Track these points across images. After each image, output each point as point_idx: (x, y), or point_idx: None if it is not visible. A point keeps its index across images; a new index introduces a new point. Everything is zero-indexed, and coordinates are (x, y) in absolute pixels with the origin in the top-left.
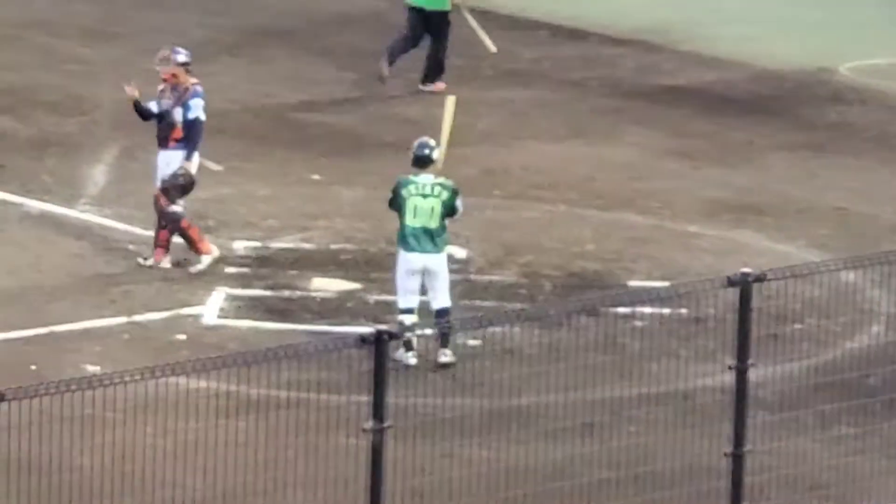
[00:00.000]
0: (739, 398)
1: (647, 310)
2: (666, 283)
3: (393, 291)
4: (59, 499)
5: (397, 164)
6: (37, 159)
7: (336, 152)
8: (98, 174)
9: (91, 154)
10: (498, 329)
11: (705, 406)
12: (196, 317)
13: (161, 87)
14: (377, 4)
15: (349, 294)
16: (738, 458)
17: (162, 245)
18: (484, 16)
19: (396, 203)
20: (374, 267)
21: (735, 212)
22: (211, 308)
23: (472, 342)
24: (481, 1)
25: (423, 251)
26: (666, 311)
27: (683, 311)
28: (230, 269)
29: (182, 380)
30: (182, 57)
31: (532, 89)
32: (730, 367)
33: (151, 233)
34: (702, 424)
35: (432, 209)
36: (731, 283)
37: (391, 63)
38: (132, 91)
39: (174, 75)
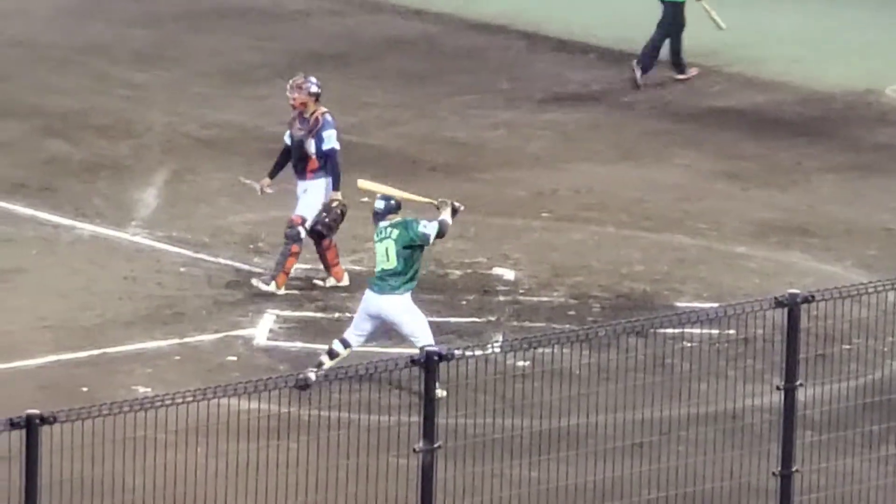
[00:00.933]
0: (787, 418)
1: (696, 330)
2: (714, 304)
3: (441, 313)
4: None
5: (447, 185)
6: (89, 182)
7: (386, 174)
8: (149, 197)
9: (142, 177)
10: (547, 350)
11: (753, 426)
12: (247, 338)
13: (292, 114)
14: (427, 28)
15: None
16: (786, 478)
17: (333, 264)
18: (532, 38)
19: None
20: (423, 289)
21: (783, 233)
22: (262, 330)
23: (521, 363)
24: (529, 25)
25: (380, 291)
26: (714, 331)
27: (731, 331)
28: (281, 292)
29: (233, 401)
30: (314, 87)
31: (581, 112)
32: (778, 388)
33: (202, 255)
34: (750, 444)
35: (386, 251)
36: (779, 303)
37: (645, 71)
38: (263, 188)
39: (304, 104)
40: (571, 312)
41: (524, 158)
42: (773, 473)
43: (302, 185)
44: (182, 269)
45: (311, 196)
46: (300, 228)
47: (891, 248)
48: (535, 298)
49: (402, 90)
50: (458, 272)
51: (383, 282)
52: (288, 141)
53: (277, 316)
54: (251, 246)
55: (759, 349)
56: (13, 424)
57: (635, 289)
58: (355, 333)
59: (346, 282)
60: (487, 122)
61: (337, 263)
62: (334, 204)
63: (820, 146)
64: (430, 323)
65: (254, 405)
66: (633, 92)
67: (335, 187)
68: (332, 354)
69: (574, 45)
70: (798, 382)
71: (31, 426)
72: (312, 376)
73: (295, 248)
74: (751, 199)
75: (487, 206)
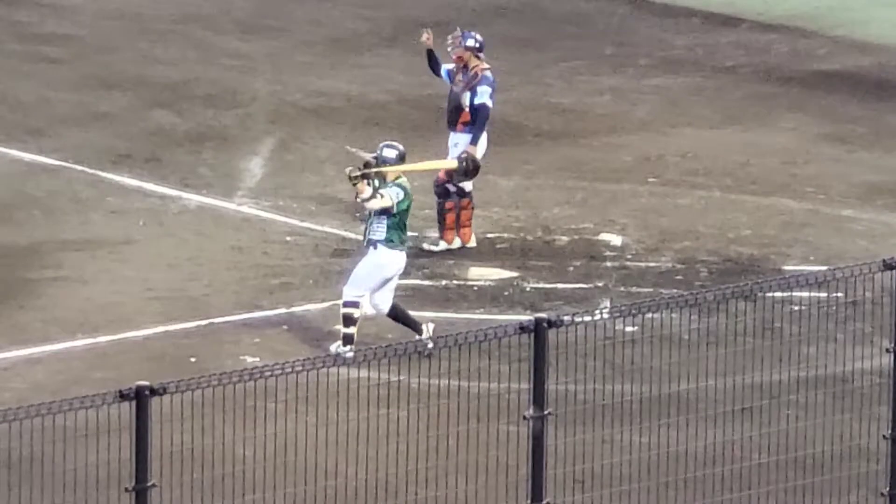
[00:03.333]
0: None
1: (804, 294)
2: (822, 268)
3: (549, 279)
4: (223, 489)
5: (553, 152)
6: (194, 153)
7: (492, 141)
8: (255, 167)
9: (248, 147)
10: (655, 315)
11: (863, 389)
12: None
13: (450, 66)
14: None
15: (507, 282)
16: None
17: (458, 226)
18: (636, 3)
19: (402, 206)
20: (531, 255)
21: (890, 195)
22: (369, 298)
23: (629, 329)
24: None
25: (405, 250)
26: (822, 294)
27: (840, 294)
28: (454, 246)
29: (342, 370)
30: (470, 41)
31: (686, 76)
32: (887, 350)
33: (309, 224)
34: (860, 407)
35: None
36: (887, 266)
37: None
38: (428, 39)
39: (460, 58)
40: (679, 277)
41: (629, 124)
42: (884, 436)
43: (453, 139)
44: (288, 238)
45: (461, 149)
46: (447, 186)
47: None
48: (642, 264)
49: (508, 56)
50: (565, 238)
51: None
52: (445, 76)
53: None
54: (357, 214)
55: (867, 312)
56: (123, 396)
57: (742, 253)
58: (361, 292)
59: (456, 245)
60: (593, 87)
61: (451, 228)
62: (463, 155)
63: None
64: (539, 289)
65: (363, 373)
66: (737, 56)
67: (473, 141)
68: (350, 322)
69: (678, 10)
70: None
71: (140, 397)
72: (350, 354)
73: (449, 203)
74: (857, 161)
75: (594, 171)
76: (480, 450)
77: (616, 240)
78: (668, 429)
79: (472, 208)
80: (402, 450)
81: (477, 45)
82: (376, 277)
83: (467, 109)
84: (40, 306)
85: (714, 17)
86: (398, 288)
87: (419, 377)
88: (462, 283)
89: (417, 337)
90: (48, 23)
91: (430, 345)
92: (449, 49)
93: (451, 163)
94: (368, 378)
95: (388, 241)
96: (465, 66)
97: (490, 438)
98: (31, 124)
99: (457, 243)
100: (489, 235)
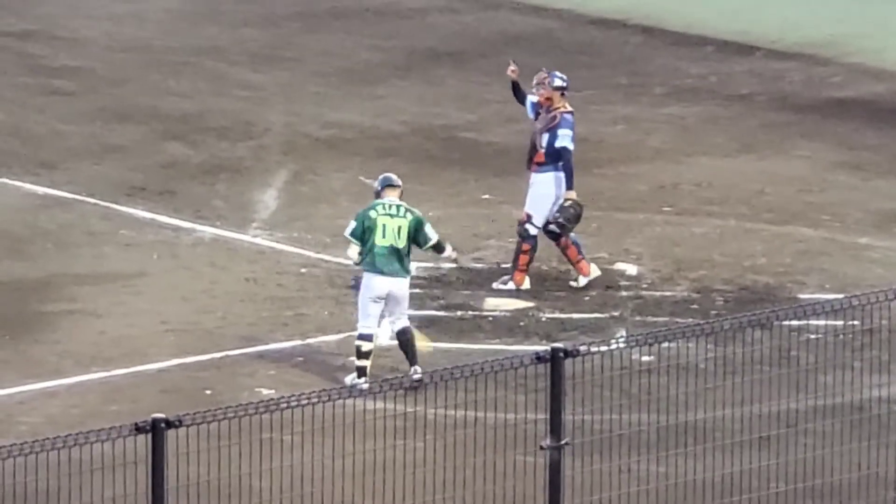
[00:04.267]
0: None
1: (820, 322)
2: (838, 296)
3: (564, 309)
4: None
5: None
6: (208, 185)
7: (506, 171)
8: (269, 198)
9: (261, 179)
10: (671, 344)
11: (881, 417)
12: None
13: (535, 99)
14: (546, 23)
15: (522, 312)
16: None
17: (577, 260)
18: (649, 33)
19: (358, 230)
20: (546, 285)
21: None
22: (383, 329)
23: (645, 358)
24: (647, 19)
25: (390, 274)
26: (838, 323)
27: (856, 322)
28: (524, 287)
29: (358, 401)
30: (558, 81)
31: (701, 105)
32: None
33: (323, 256)
34: (877, 435)
35: (399, 228)
36: None
37: None
38: (514, 72)
39: (549, 98)
40: (694, 306)
41: (644, 153)
42: None
43: (532, 178)
44: (303, 270)
45: (536, 190)
46: (528, 226)
47: None
48: (657, 293)
49: (523, 86)
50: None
51: (392, 264)
52: (530, 113)
53: None
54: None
55: (884, 340)
56: (139, 429)
57: (758, 281)
58: (370, 318)
59: (595, 273)
60: (607, 116)
61: (580, 259)
62: (567, 203)
63: None
64: (553, 319)
65: (379, 405)
66: (752, 84)
67: (569, 186)
68: (360, 355)
69: (692, 38)
70: None
71: (156, 430)
72: (366, 386)
73: (525, 245)
74: (873, 189)
75: (609, 201)
76: (497, 480)
77: (631, 269)
78: (685, 458)
79: (573, 244)
80: (418, 481)
81: (564, 84)
82: (366, 302)
83: (542, 150)
84: (54, 340)
85: (728, 45)
86: (413, 318)
87: (435, 408)
88: (477, 313)
89: (410, 371)
90: (60, 56)
91: (417, 376)
92: (534, 90)
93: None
94: (384, 409)
95: (364, 265)
96: (551, 106)
97: (507, 469)
98: (44, 157)
99: (526, 285)
100: (504, 265)
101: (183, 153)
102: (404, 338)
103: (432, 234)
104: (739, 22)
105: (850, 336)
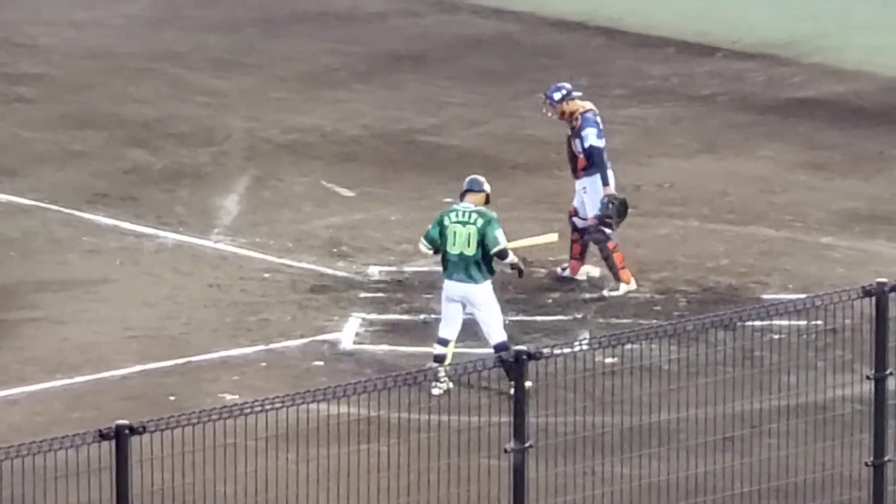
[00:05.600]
0: (879, 408)
1: (783, 322)
2: (801, 296)
3: (527, 312)
4: None
5: (530, 184)
6: (170, 191)
7: (468, 174)
8: (231, 204)
9: (224, 184)
10: (634, 346)
11: (844, 417)
12: (333, 343)
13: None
14: (506, 26)
15: None
16: (879, 469)
17: (576, 258)
18: (610, 34)
19: (434, 233)
20: (509, 288)
21: (868, 222)
22: (347, 333)
23: (608, 360)
24: (608, 21)
25: (460, 280)
26: (801, 323)
27: (819, 322)
28: (365, 294)
29: (322, 406)
30: (557, 94)
31: (662, 106)
32: (868, 377)
33: (286, 261)
34: (841, 435)
35: (469, 236)
36: (866, 293)
37: None
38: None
39: (563, 112)
40: (658, 308)
41: (607, 155)
42: (866, 464)
43: (579, 184)
44: (266, 276)
45: (592, 194)
46: (601, 229)
47: None
48: (621, 294)
49: (482, 89)
50: (543, 270)
51: (465, 271)
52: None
53: (363, 319)
54: (334, 250)
55: (847, 339)
56: (103, 435)
57: (721, 282)
58: (448, 324)
59: (633, 285)
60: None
61: (623, 267)
62: (604, 200)
63: None
64: (517, 322)
65: (342, 409)
66: (713, 85)
67: (604, 183)
68: (434, 358)
69: (653, 40)
70: (888, 371)
71: (120, 437)
72: (437, 392)
73: (610, 244)
74: (834, 188)
75: (570, 203)
76: (461, 484)
77: (594, 271)
78: (650, 459)
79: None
80: (383, 485)
81: (563, 92)
82: (443, 305)
83: (581, 156)
84: (17, 347)
85: (689, 46)
86: (376, 323)
87: (399, 412)
88: (440, 317)
89: (429, 364)
90: (21, 63)
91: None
92: (547, 114)
93: (550, 237)
94: (348, 414)
95: (443, 271)
96: (570, 115)
97: (471, 472)
98: (6, 164)
99: (633, 284)
100: None
101: (145, 159)
102: (500, 352)
103: (498, 241)
104: (700, 23)
105: (814, 336)
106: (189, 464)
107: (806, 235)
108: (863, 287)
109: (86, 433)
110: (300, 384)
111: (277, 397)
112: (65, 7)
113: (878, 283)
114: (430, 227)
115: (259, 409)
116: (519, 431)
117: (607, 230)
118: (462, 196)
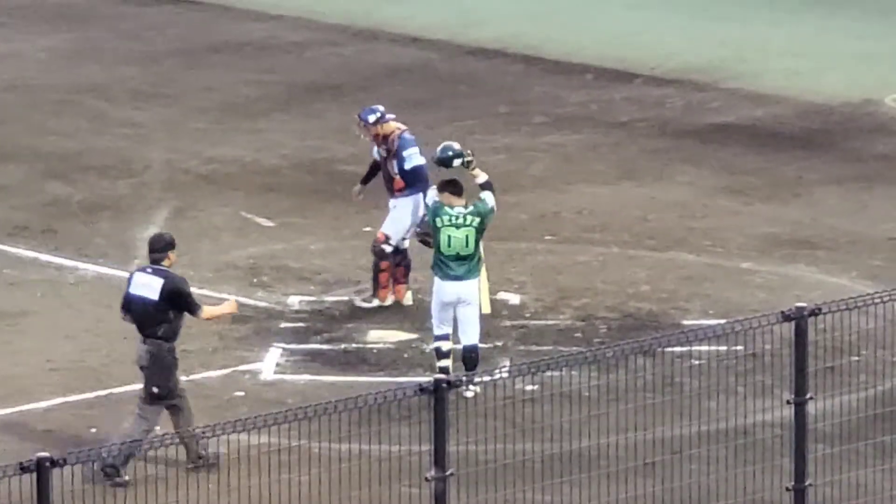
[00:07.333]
0: (799, 432)
1: (704, 348)
2: (721, 321)
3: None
4: None
5: None
6: (90, 223)
7: (388, 204)
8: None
9: (143, 216)
10: (555, 373)
11: (765, 441)
12: (254, 373)
13: (374, 145)
14: (425, 54)
15: (406, 344)
16: (799, 493)
17: (401, 281)
18: (529, 62)
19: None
20: (429, 316)
21: (788, 247)
22: (268, 364)
23: (529, 387)
24: (526, 48)
25: (455, 279)
26: (722, 348)
27: (739, 347)
28: (286, 325)
29: (242, 436)
30: (371, 116)
31: (581, 133)
32: (788, 402)
33: (206, 291)
34: (762, 460)
35: (466, 238)
36: (786, 317)
37: None
38: (359, 195)
39: (377, 135)
40: (578, 334)
41: (525, 181)
42: (787, 488)
43: (392, 202)
44: None
45: (398, 212)
46: (384, 246)
47: None
48: (541, 322)
49: (401, 118)
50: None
51: (458, 269)
52: (376, 156)
53: (283, 349)
54: (254, 280)
55: (767, 364)
56: (24, 468)
57: (642, 308)
58: (443, 323)
59: (387, 302)
60: (487, 146)
61: (385, 287)
62: (425, 217)
63: (821, 158)
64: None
65: (263, 439)
66: (632, 111)
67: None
68: (440, 355)
69: (571, 67)
70: (808, 396)
71: (41, 469)
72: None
73: (383, 264)
74: (754, 213)
75: (490, 230)
76: None
77: (514, 299)
78: (571, 487)
79: (408, 266)
80: None
81: (377, 115)
82: (437, 307)
83: (398, 177)
84: None
85: (607, 72)
86: (297, 353)
87: (320, 441)
88: (361, 346)
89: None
90: None
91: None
92: (361, 136)
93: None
94: (269, 444)
95: (434, 270)
96: (384, 137)
97: (393, 501)
98: None
99: (389, 300)
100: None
101: (64, 192)
102: (470, 356)
103: (490, 200)
104: (619, 49)
105: (734, 361)
106: (111, 496)
107: (726, 261)
108: (782, 312)
109: (7, 466)
110: (221, 415)
111: (198, 428)
112: None
113: (798, 308)
114: (425, 216)
115: (179, 440)
116: (439, 460)
117: (388, 249)
118: (441, 192)
